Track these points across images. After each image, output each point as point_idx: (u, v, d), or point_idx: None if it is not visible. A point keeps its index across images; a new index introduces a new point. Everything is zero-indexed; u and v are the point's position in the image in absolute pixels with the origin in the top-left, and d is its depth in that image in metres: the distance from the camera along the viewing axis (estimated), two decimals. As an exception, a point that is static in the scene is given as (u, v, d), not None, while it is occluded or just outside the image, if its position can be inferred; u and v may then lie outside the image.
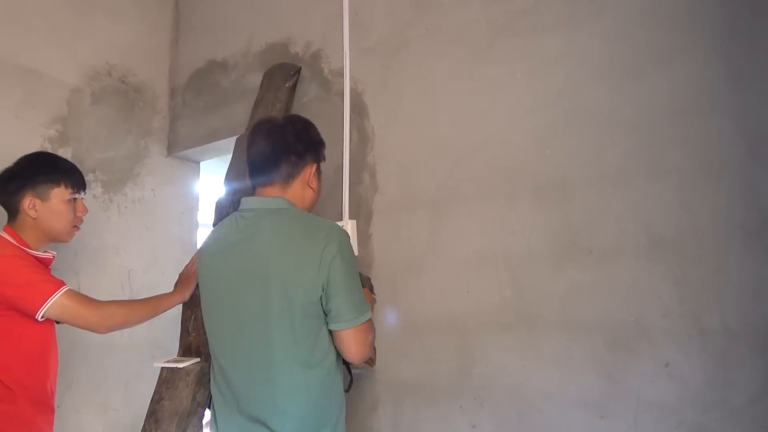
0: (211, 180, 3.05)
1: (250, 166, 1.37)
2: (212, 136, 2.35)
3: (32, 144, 2.04)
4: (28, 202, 1.55)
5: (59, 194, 1.59)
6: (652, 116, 1.35)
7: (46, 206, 1.57)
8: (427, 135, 1.73)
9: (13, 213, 1.57)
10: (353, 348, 1.28)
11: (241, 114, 2.24)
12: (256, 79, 2.21)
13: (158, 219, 2.42)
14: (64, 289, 1.47)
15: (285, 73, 2.05)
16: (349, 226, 1.79)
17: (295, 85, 2.04)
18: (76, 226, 1.66)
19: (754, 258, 1.20)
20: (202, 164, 2.65)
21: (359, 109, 1.89)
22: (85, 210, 1.68)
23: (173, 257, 2.44)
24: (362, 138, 1.87)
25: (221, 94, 2.35)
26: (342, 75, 1.94)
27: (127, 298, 2.28)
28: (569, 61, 1.48)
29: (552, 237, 1.46)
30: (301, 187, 1.37)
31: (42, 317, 1.45)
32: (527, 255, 1.50)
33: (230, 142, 2.32)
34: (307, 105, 2.03)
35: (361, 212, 1.83)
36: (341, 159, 1.89)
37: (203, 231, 2.63)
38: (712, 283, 1.24)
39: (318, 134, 1.44)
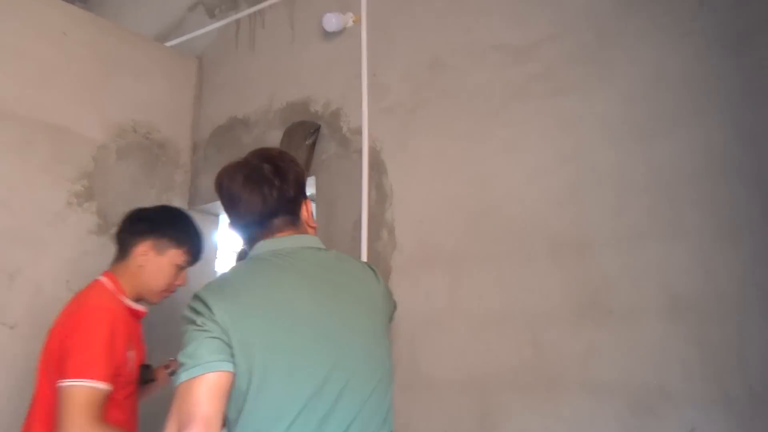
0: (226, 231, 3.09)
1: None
2: (232, 190, 2.40)
3: (59, 198, 2.10)
4: (144, 249, 1.55)
5: (175, 256, 1.59)
6: (666, 178, 1.37)
7: (157, 261, 1.56)
8: (444, 193, 1.76)
9: (122, 253, 1.58)
10: None
11: (261, 169, 2.29)
12: (276, 136, 2.27)
13: (178, 270, 2.45)
14: (93, 384, 1.32)
15: (305, 130, 2.11)
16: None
17: (314, 142, 2.10)
18: (166, 292, 1.64)
19: (776, 322, 1.20)
20: (221, 217, 2.70)
21: (377, 167, 1.93)
22: (185, 282, 1.67)
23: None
24: (380, 195, 1.91)
25: (242, 150, 2.39)
26: (360, 133, 1.99)
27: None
28: (582, 123, 1.52)
29: (570, 296, 1.47)
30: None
31: (60, 386, 1.33)
32: (546, 314, 1.50)
33: (250, 197, 2.37)
34: (327, 162, 2.08)
35: (380, 268, 1.85)
36: (359, 215, 1.92)
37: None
38: (735, 346, 1.24)
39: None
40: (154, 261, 1.56)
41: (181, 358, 0.98)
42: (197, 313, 1.02)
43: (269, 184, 1.14)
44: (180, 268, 1.63)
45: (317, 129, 2.11)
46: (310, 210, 1.26)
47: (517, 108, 1.65)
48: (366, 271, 1.23)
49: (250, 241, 1.19)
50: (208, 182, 2.52)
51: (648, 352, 1.34)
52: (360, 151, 1.98)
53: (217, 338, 0.98)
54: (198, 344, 0.97)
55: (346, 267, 1.19)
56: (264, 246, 1.16)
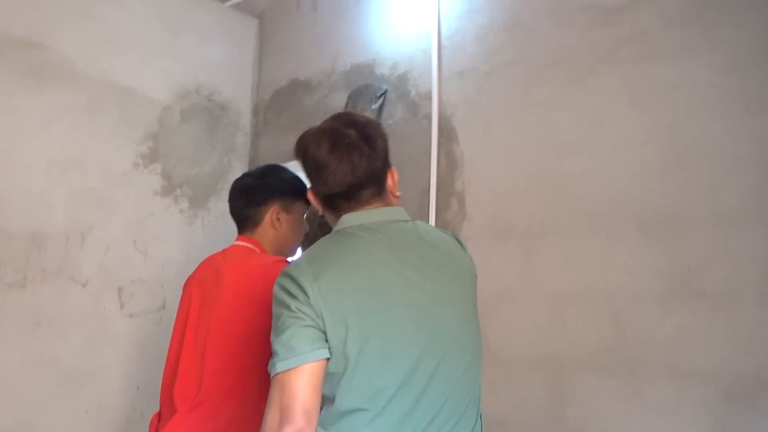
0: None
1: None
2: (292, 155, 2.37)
3: (127, 159, 2.11)
4: (274, 214, 1.50)
5: (300, 207, 1.55)
6: (777, 154, 1.26)
7: (289, 219, 1.52)
8: (520, 163, 1.68)
9: (253, 224, 1.52)
10: None
11: (323, 134, 2.25)
12: (339, 99, 2.22)
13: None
14: None
15: (371, 94, 2.04)
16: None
17: (381, 107, 2.03)
18: (300, 241, 1.64)
19: None
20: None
21: (448, 133, 1.86)
22: (308, 226, 1.67)
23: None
24: (451, 163, 1.84)
25: (303, 113, 2.37)
26: (430, 98, 1.92)
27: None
28: (681, 91, 1.41)
29: (660, 276, 1.39)
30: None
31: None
32: (631, 294, 1.43)
33: (312, 161, 2.34)
34: (393, 127, 2.02)
35: (448, 239, 1.80)
36: (428, 183, 1.87)
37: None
38: None
39: None
40: (286, 220, 1.53)
41: (275, 346, 0.96)
42: (291, 296, 0.98)
43: (359, 153, 1.06)
44: (304, 216, 1.62)
45: (384, 93, 2.05)
46: (395, 179, 1.19)
47: (605, 74, 1.54)
48: (453, 243, 1.16)
49: (333, 210, 1.15)
50: (268, 145, 2.50)
51: (744, 340, 1.26)
52: (429, 117, 1.91)
53: (312, 326, 0.96)
54: (293, 333, 0.94)
55: (434, 240, 1.12)
56: (352, 219, 1.10)
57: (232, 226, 2.47)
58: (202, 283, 1.44)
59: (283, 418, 0.89)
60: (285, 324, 0.96)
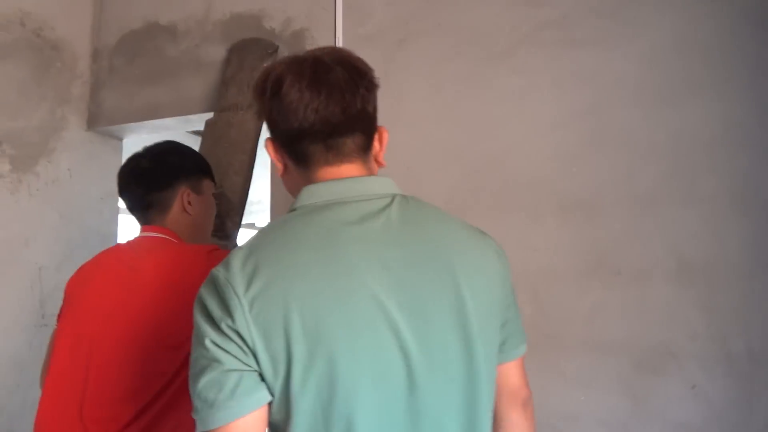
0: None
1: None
2: (153, 112, 2.01)
3: None
4: (184, 195, 1.29)
5: (208, 186, 1.38)
6: (685, 143, 1.38)
7: (200, 200, 1.33)
8: (437, 139, 1.62)
9: (162, 209, 1.27)
10: None
11: (195, 90, 1.94)
12: (216, 53, 1.92)
13: (75, 205, 2.02)
14: None
15: (261, 50, 1.80)
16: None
17: (273, 66, 1.80)
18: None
19: (780, 288, 1.28)
20: (125, 142, 2.27)
21: (353, 102, 1.72)
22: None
23: (91, 251, 2.06)
24: (357, 134, 1.71)
25: (167, 64, 2.01)
26: (332, 61, 1.75)
27: (36, 300, 1.88)
28: (600, 79, 1.47)
29: (577, 256, 1.45)
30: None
31: None
32: (550, 273, 1.47)
33: (179, 122, 2.02)
34: (286, 90, 1.81)
35: (354, 215, 1.68)
36: (329, 155, 1.71)
37: (125, 220, 2.26)
38: (739, 310, 1.31)
39: None
40: (197, 202, 1.33)
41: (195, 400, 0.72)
42: (215, 313, 0.73)
43: (352, 91, 0.81)
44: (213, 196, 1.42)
45: (275, 50, 1.82)
46: (384, 142, 0.92)
47: (527, 55, 1.55)
48: (484, 238, 0.91)
49: (300, 165, 0.86)
50: (114, 99, 2.09)
51: (654, 314, 1.37)
52: (330, 82, 1.74)
53: (241, 370, 0.71)
54: (215, 380, 0.71)
55: (441, 233, 0.84)
56: (320, 191, 0.82)
57: (68, 195, 2.05)
58: (106, 285, 1.14)
59: None
60: (204, 364, 0.72)
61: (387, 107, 1.66)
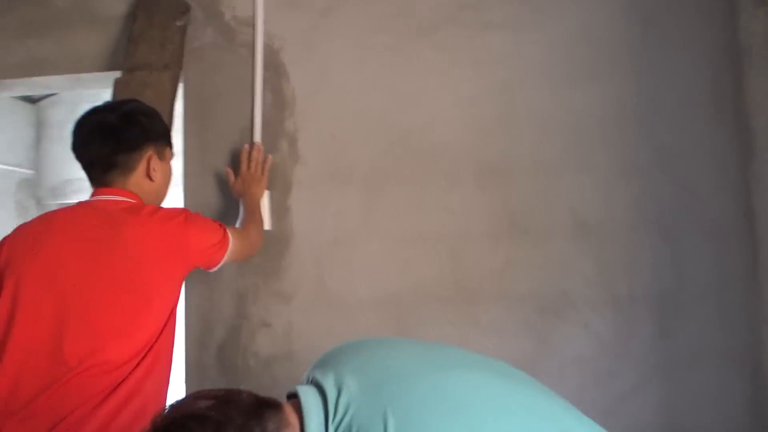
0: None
1: None
2: (36, 68, 1.81)
3: None
4: (149, 159, 1.24)
5: (169, 154, 1.33)
6: (583, 120, 1.61)
7: (162, 166, 1.28)
8: (361, 108, 1.68)
9: (122, 173, 1.21)
10: None
11: (90, 46, 1.78)
12: (114, 7, 1.78)
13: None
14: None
15: (172, 8, 1.71)
16: (264, 197, 1.63)
17: (186, 26, 1.72)
18: None
19: (653, 241, 1.56)
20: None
21: (275, 68, 1.72)
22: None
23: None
24: (279, 101, 1.71)
25: (52, 14, 1.81)
26: (251, 25, 1.72)
27: None
28: (512, 60, 1.64)
29: (491, 218, 1.62)
30: None
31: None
32: (467, 234, 1.62)
33: (68, 80, 1.85)
34: (200, 52, 1.75)
35: (277, 183, 1.69)
36: (249, 121, 1.70)
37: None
38: (622, 260, 1.57)
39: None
40: (161, 169, 1.27)
41: None
42: None
43: None
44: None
45: (188, 10, 1.74)
46: None
47: (448, 33, 1.66)
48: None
49: None
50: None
51: (555, 266, 1.59)
52: (249, 46, 1.72)
53: None
54: None
55: None
56: None
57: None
58: (77, 246, 1.10)
59: None
60: None
61: (313, 75, 1.71)
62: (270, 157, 1.63)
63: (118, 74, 1.67)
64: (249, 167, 1.58)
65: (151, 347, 1.09)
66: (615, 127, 1.59)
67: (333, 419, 0.76)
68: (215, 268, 1.34)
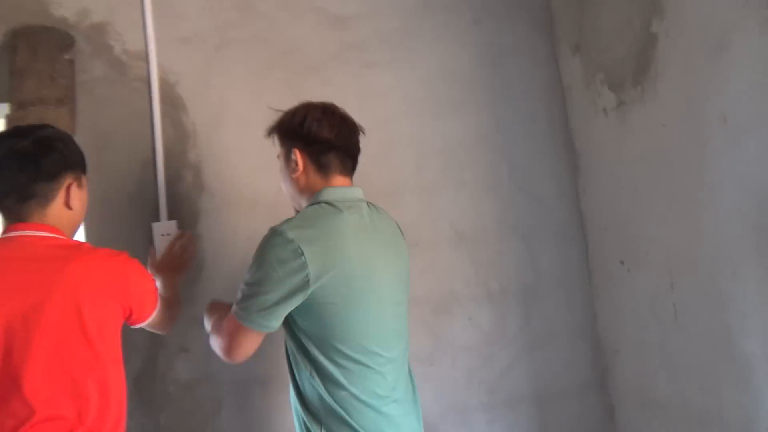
0: None
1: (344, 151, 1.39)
2: None
3: None
4: (69, 188, 1.18)
5: (86, 183, 1.27)
6: (453, 146, 1.92)
7: (81, 195, 1.23)
8: (262, 140, 1.80)
9: (40, 205, 1.14)
10: None
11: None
12: (-17, 36, 1.68)
13: None
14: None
15: (58, 41, 1.66)
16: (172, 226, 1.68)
17: (73, 59, 1.69)
18: None
19: (515, 244, 1.92)
20: None
21: (172, 101, 1.76)
22: None
23: None
24: (180, 133, 1.76)
25: None
26: (143, 59, 1.75)
27: None
28: (392, 95, 1.90)
29: (386, 234, 1.85)
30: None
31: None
32: (367, 249, 1.83)
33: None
34: (90, 85, 1.72)
35: (183, 212, 1.74)
36: (150, 153, 1.73)
37: None
38: (494, 262, 1.91)
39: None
40: (79, 198, 1.21)
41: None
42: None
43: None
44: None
45: (73, 43, 1.71)
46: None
47: (336, 70, 1.86)
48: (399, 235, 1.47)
49: (321, 171, 1.37)
50: None
51: (442, 271, 1.88)
52: (144, 80, 1.75)
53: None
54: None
55: (389, 224, 1.43)
56: (336, 193, 1.34)
57: None
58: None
59: None
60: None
61: (212, 108, 1.81)
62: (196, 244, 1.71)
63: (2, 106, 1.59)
64: (173, 251, 1.60)
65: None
66: (479, 151, 1.93)
67: None
68: (140, 325, 1.29)
